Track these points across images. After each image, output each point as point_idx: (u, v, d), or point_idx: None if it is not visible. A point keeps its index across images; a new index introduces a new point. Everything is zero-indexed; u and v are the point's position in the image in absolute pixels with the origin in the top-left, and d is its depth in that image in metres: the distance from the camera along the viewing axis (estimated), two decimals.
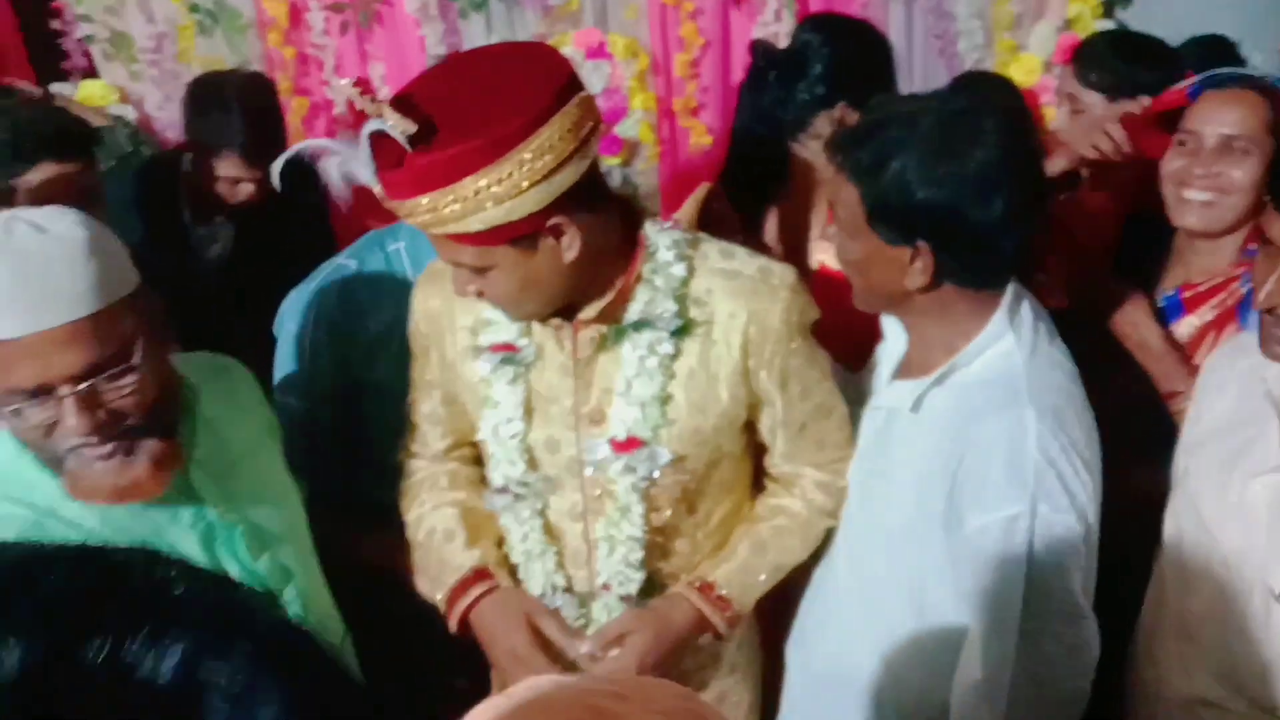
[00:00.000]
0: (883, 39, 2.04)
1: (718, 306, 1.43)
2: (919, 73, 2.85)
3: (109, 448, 1.21)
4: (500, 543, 1.60)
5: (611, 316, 1.42)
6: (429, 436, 1.64)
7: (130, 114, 2.88)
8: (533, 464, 1.53)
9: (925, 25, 2.82)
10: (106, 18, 2.87)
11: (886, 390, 1.55)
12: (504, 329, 1.47)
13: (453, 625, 1.56)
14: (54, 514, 1.25)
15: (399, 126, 1.18)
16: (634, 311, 1.41)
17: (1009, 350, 1.41)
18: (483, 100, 1.24)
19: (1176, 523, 1.50)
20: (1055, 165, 2.20)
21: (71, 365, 1.16)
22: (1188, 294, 1.82)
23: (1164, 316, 1.82)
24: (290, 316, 1.82)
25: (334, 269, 1.82)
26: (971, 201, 1.32)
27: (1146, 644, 1.54)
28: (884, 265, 1.39)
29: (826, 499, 1.59)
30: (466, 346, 1.52)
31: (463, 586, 1.55)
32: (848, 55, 1.97)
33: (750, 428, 1.55)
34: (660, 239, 1.42)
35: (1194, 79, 1.84)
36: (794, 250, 2.01)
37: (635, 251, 1.41)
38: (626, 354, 1.43)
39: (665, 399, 1.44)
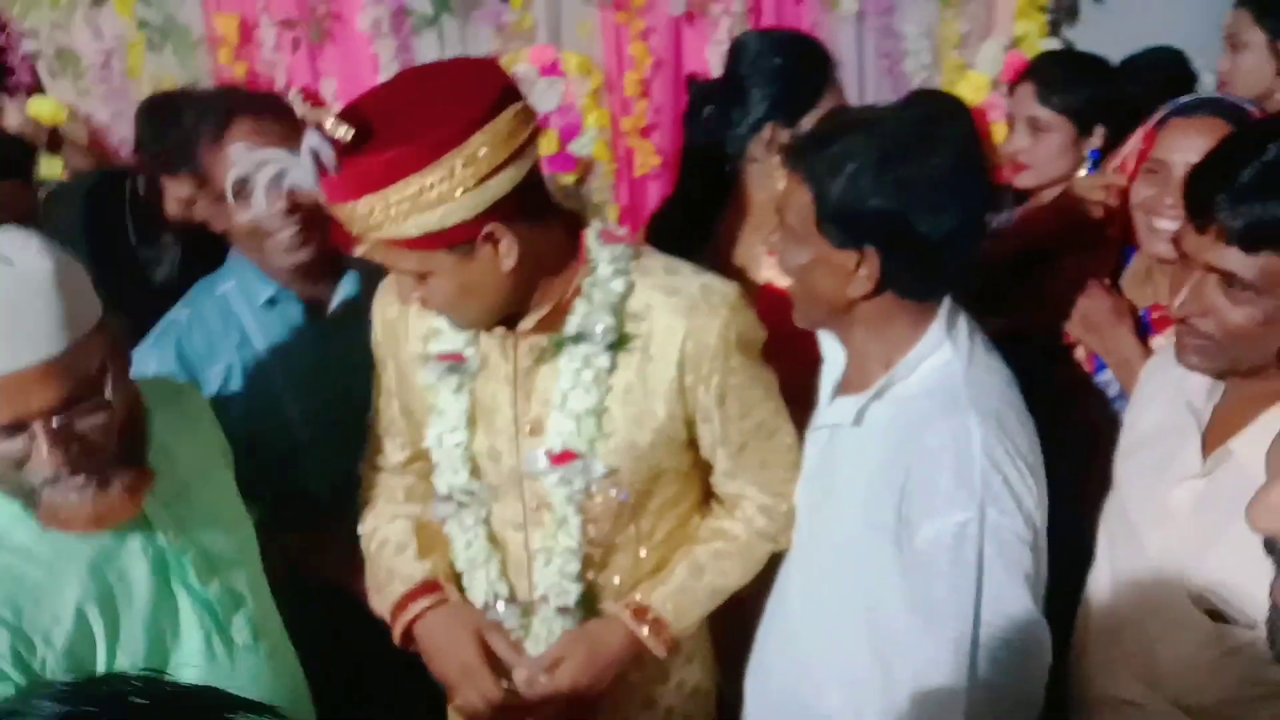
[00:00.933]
0: (815, 47, 2.03)
1: (656, 322, 1.44)
2: (870, 91, 2.88)
3: (82, 478, 1.20)
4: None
5: (551, 328, 1.44)
6: (387, 447, 1.65)
7: (80, 130, 2.85)
8: (476, 472, 1.54)
9: (874, 44, 2.85)
10: (53, 33, 2.84)
11: (827, 409, 1.55)
12: (451, 338, 1.49)
13: (396, 636, 1.57)
14: (1, 543, 1.24)
15: (336, 130, 1.21)
16: (572, 324, 1.43)
17: (948, 360, 1.43)
18: (419, 109, 1.27)
19: (1108, 528, 1.53)
20: (1024, 181, 2.26)
21: (45, 400, 1.15)
22: (1156, 315, 1.85)
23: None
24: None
25: (167, 324, 1.79)
26: (922, 211, 1.33)
27: (1079, 648, 1.57)
28: (829, 272, 1.39)
29: (768, 523, 1.59)
30: (417, 354, 1.53)
31: (410, 597, 1.56)
32: (777, 74, 1.98)
33: (694, 446, 1.55)
34: (602, 253, 1.44)
35: (1162, 111, 1.87)
36: (741, 269, 2.03)
37: (576, 263, 1.43)
38: (564, 366, 1.45)
39: (601, 412, 1.45)
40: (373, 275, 1.77)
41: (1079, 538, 1.70)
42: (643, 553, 1.58)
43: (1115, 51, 2.71)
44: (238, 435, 1.61)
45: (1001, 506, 1.36)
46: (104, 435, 1.22)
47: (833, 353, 1.56)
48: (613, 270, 1.43)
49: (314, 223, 1.73)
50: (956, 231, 1.35)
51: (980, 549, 1.37)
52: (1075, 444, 1.88)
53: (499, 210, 1.28)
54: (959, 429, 1.37)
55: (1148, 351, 1.82)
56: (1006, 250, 2.32)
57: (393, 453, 1.66)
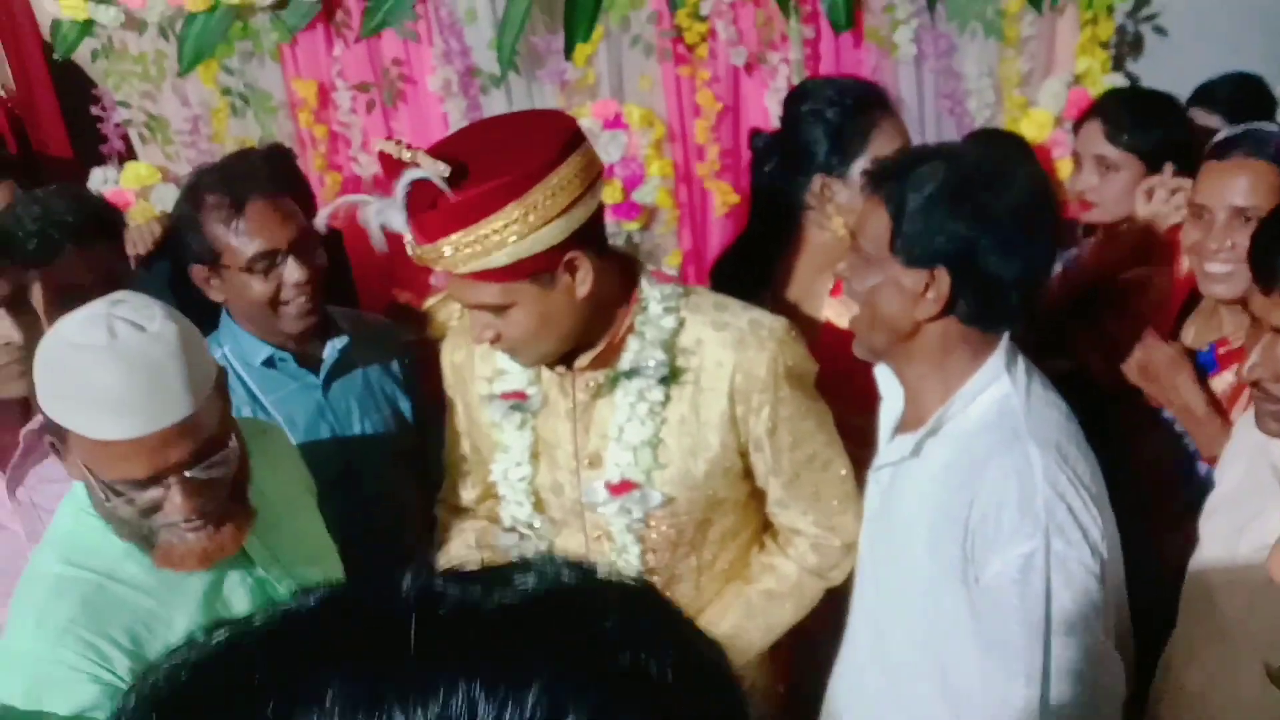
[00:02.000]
0: (859, 93, 2.05)
1: (707, 356, 1.50)
2: (932, 133, 2.89)
3: (200, 521, 1.31)
4: None
5: (606, 364, 1.51)
6: (459, 485, 1.76)
7: (172, 191, 2.98)
8: (539, 506, 1.62)
9: (935, 87, 2.86)
10: (143, 102, 2.99)
11: (887, 447, 1.56)
12: (515, 378, 1.57)
13: None
14: (113, 576, 1.34)
15: (434, 169, 1.30)
16: (625, 360, 1.50)
17: (1006, 393, 1.44)
18: (504, 148, 1.37)
19: (1189, 589, 1.50)
20: (1092, 218, 2.27)
21: (182, 456, 1.26)
22: (1222, 350, 1.83)
23: (1199, 372, 1.84)
24: None
25: None
26: (995, 240, 1.36)
27: (1154, 709, 1.53)
28: (898, 293, 1.42)
29: (820, 560, 1.63)
30: (483, 395, 1.62)
31: None
32: (823, 123, 2.01)
33: (750, 476, 1.60)
34: (653, 292, 1.51)
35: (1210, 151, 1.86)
36: (800, 308, 2.06)
37: (629, 303, 1.50)
38: (620, 400, 1.51)
39: (656, 444, 1.52)
40: (360, 333, 2.00)
41: (1151, 581, 1.68)
42: (703, 581, 1.62)
43: (1180, 83, 2.70)
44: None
45: (1067, 537, 1.36)
46: (226, 483, 1.34)
47: (891, 392, 1.57)
48: (663, 308, 1.50)
49: (319, 290, 1.89)
50: (1025, 266, 1.38)
51: (1047, 580, 1.36)
52: (1144, 481, 1.86)
53: (577, 239, 1.38)
54: (1020, 460, 1.38)
55: (1209, 394, 1.79)
56: (1073, 286, 2.31)
57: (465, 491, 1.75)
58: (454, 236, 1.32)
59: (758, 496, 1.64)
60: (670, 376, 1.50)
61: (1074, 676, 1.39)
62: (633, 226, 2.96)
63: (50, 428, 1.30)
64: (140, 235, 2.59)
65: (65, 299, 1.57)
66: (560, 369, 1.54)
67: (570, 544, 1.62)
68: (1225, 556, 1.43)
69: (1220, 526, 1.48)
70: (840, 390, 1.84)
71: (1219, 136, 1.87)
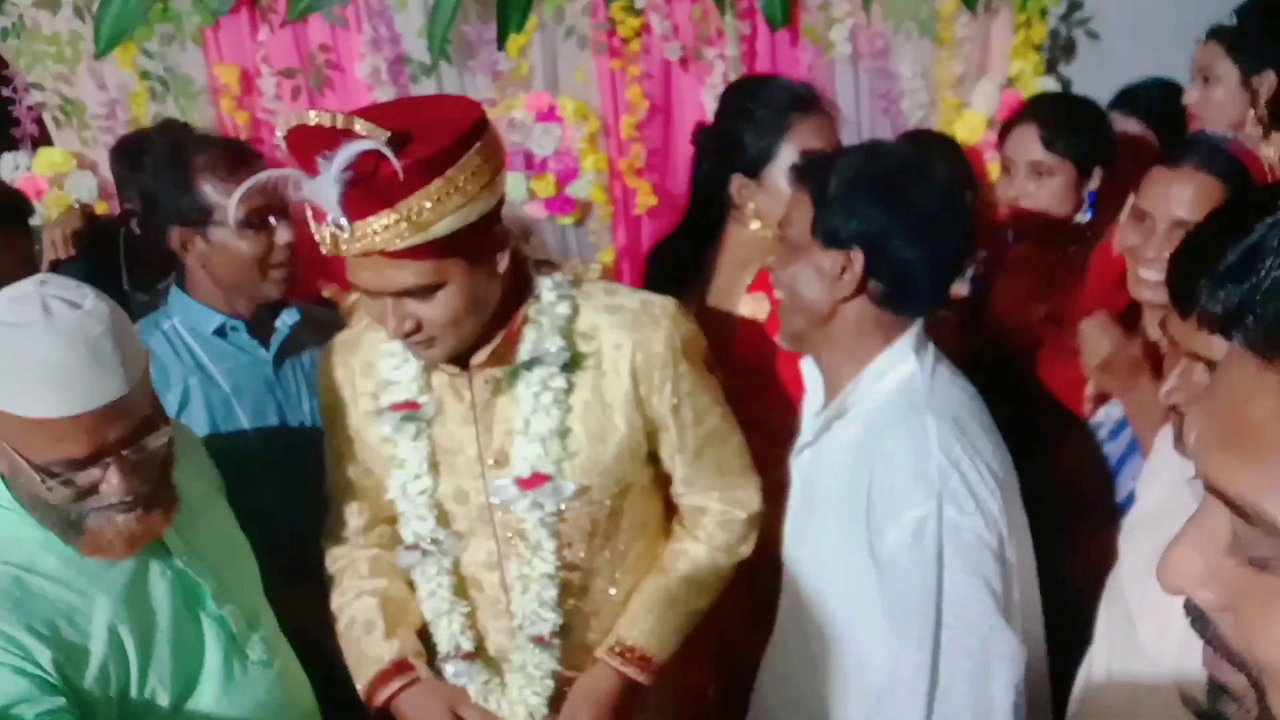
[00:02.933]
0: (778, 93, 2.05)
1: (604, 339, 1.50)
2: (867, 132, 2.89)
3: (131, 502, 1.30)
4: (423, 629, 1.62)
5: (504, 359, 1.48)
6: (346, 514, 1.67)
7: (89, 179, 2.88)
8: (443, 518, 1.57)
9: (870, 86, 2.86)
10: (58, 85, 2.87)
11: (805, 430, 1.60)
12: (404, 388, 1.53)
13: (374, 713, 1.60)
14: (30, 569, 1.31)
15: (379, 136, 1.22)
16: (524, 351, 1.48)
17: (911, 373, 1.50)
18: (430, 118, 1.31)
19: (1107, 605, 1.49)
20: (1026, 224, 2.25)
21: (120, 434, 1.26)
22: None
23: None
24: None
25: None
26: (906, 226, 1.43)
27: None
28: (816, 275, 1.48)
29: (729, 536, 1.64)
30: (369, 411, 1.56)
31: (382, 679, 1.59)
32: (745, 122, 2.02)
33: (655, 459, 1.60)
34: (544, 281, 1.50)
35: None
36: (722, 303, 2.08)
37: (523, 293, 1.48)
38: (522, 393, 1.49)
39: (564, 432, 1.50)
40: (308, 315, 2.00)
41: (1072, 596, 1.68)
42: (618, 574, 1.62)
43: (1111, 87, 2.73)
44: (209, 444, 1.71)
45: (960, 505, 1.39)
46: (160, 463, 1.34)
47: (814, 383, 1.60)
48: (556, 295, 1.49)
49: (296, 257, 1.88)
50: (935, 254, 1.45)
51: (939, 545, 1.39)
52: (1064, 490, 1.87)
53: (496, 214, 1.36)
54: (916, 428, 1.44)
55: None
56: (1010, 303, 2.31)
57: (351, 518, 1.67)
58: (399, 206, 1.24)
59: (662, 482, 1.65)
60: (571, 363, 1.49)
61: (963, 650, 1.40)
62: (567, 221, 2.92)
63: None
64: (61, 239, 2.50)
65: None
66: (453, 369, 1.50)
67: (480, 552, 1.58)
68: (1143, 575, 1.43)
69: (1139, 544, 1.48)
70: (754, 384, 1.85)
71: (1182, 140, 1.89)
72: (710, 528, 1.64)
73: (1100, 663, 1.49)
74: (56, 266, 2.41)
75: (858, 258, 1.45)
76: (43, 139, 2.96)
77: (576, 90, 2.82)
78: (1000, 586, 1.41)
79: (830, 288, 1.48)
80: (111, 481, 1.27)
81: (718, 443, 1.61)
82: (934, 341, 1.57)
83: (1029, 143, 2.26)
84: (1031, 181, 2.26)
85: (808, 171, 1.53)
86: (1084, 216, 2.28)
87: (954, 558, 1.39)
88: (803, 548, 1.61)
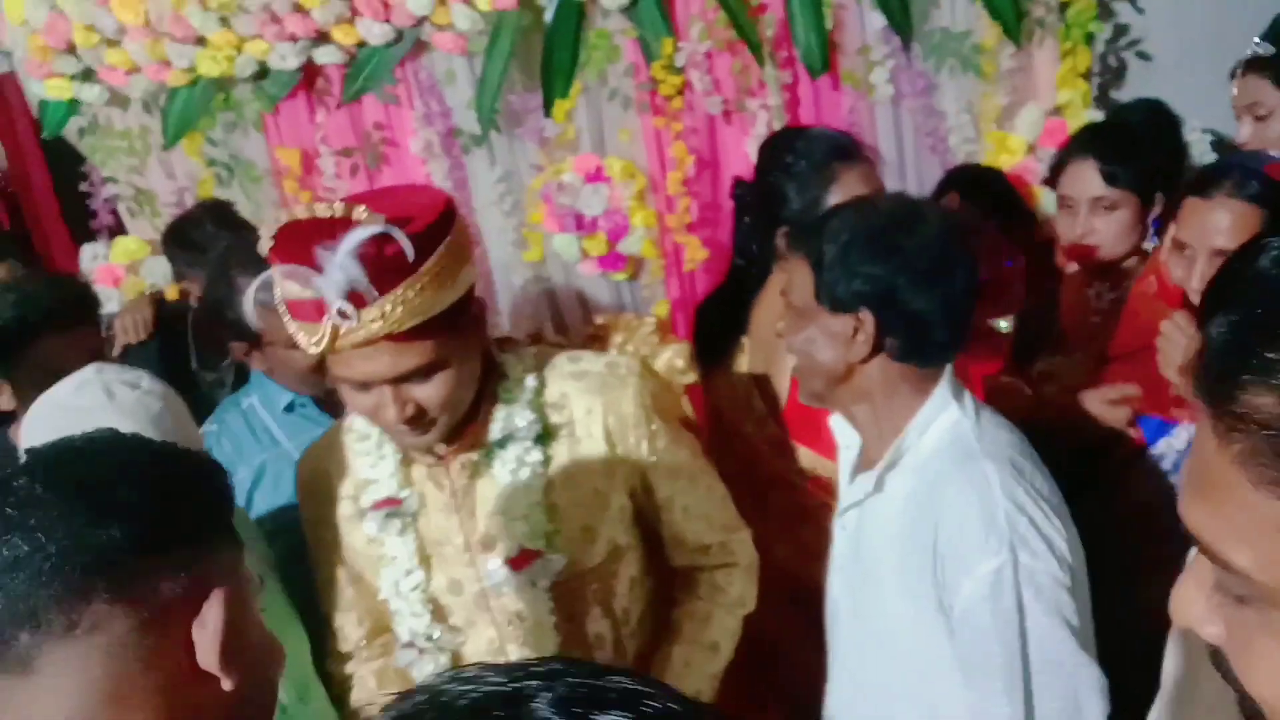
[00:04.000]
0: (819, 143, 2.07)
1: (574, 406, 1.50)
2: (911, 172, 2.88)
3: None
4: None
5: (477, 441, 1.48)
6: (345, 629, 1.64)
7: (163, 264, 3.01)
8: (439, 613, 1.54)
9: (914, 125, 2.85)
10: (130, 177, 3.02)
11: (849, 490, 1.56)
12: (384, 485, 1.51)
13: None
14: None
15: (374, 219, 1.24)
16: (496, 430, 1.47)
17: (956, 419, 1.47)
18: (406, 202, 1.34)
19: (1174, 646, 1.45)
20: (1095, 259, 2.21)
21: None
22: None
23: None
24: None
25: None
26: (909, 277, 1.42)
27: None
28: (829, 340, 1.47)
29: (730, 589, 1.63)
30: (350, 514, 1.55)
31: None
32: (789, 175, 2.04)
33: (642, 519, 1.59)
34: (507, 358, 1.50)
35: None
36: (771, 356, 2.07)
37: (489, 373, 1.48)
38: (499, 472, 1.47)
39: (548, 506, 1.48)
40: None
41: (1144, 628, 1.63)
42: (624, 639, 1.60)
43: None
44: (274, 523, 1.81)
45: (1032, 549, 1.37)
46: None
47: (845, 437, 1.59)
48: (522, 369, 1.50)
49: None
50: (944, 300, 1.43)
51: (1018, 594, 1.36)
52: (1134, 525, 1.82)
53: (473, 291, 1.40)
54: (977, 477, 1.40)
55: None
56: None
57: (351, 631, 1.63)
58: (408, 283, 1.26)
59: (654, 540, 1.64)
60: (545, 435, 1.48)
61: (1053, 693, 1.38)
62: (620, 277, 2.96)
63: None
64: (132, 325, 2.61)
65: (46, 384, 1.59)
66: (430, 459, 1.49)
67: (481, 641, 1.55)
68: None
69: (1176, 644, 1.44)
70: (808, 434, 1.84)
71: (1210, 165, 1.85)
72: (709, 585, 1.62)
73: (1165, 706, 1.45)
74: (128, 351, 2.52)
75: (868, 318, 1.44)
76: (118, 229, 3.11)
77: (622, 150, 2.86)
78: (1078, 622, 1.40)
79: (845, 350, 1.46)
80: None
81: (701, 496, 1.60)
82: (1007, 408, 1.55)
83: (1089, 178, 2.20)
84: (1096, 218, 2.19)
85: (802, 237, 1.52)
86: (1150, 244, 2.23)
87: (1033, 603, 1.37)
88: (860, 609, 1.57)
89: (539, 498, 1.48)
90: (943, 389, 1.49)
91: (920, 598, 1.44)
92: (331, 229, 1.23)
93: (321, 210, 1.25)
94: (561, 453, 1.50)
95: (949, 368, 1.50)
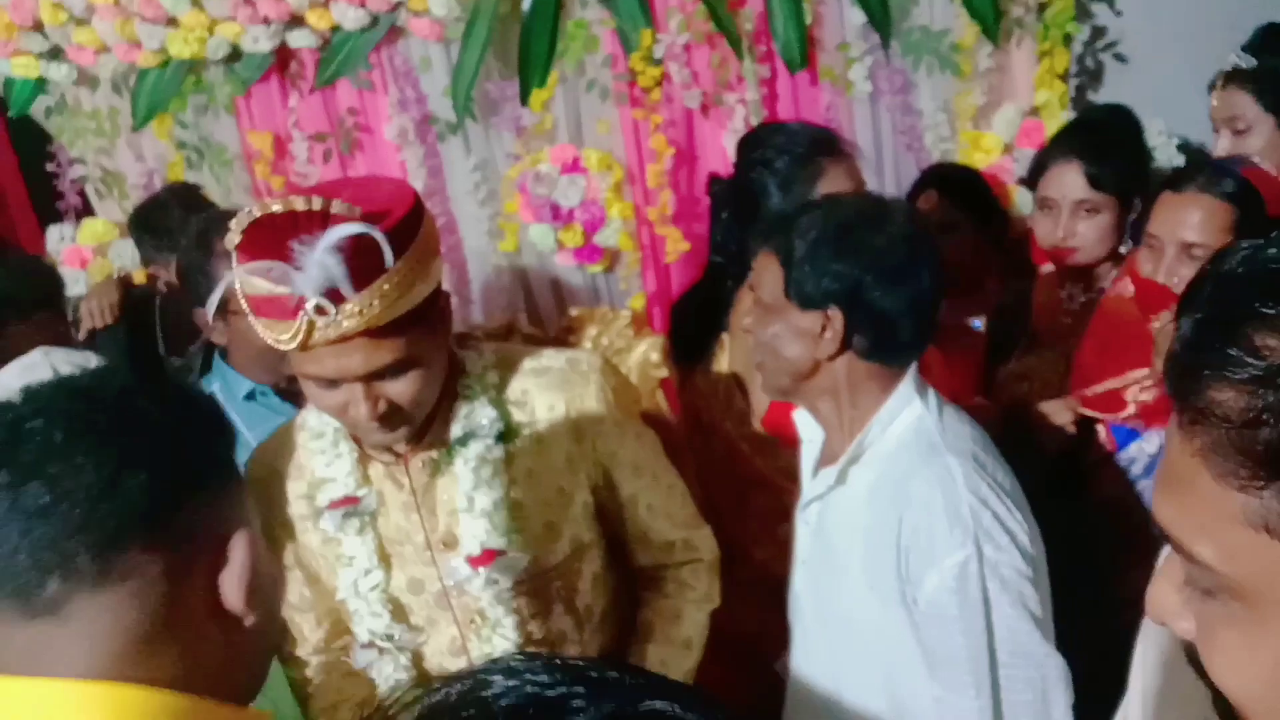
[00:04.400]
0: (818, 138, 2.07)
1: (537, 403, 1.49)
2: (888, 169, 2.88)
3: None
4: None
5: (438, 438, 1.45)
6: (303, 629, 1.60)
7: (130, 248, 2.96)
8: (399, 612, 1.52)
9: (891, 122, 2.85)
10: (99, 158, 2.97)
11: (811, 484, 1.58)
12: (341, 484, 1.47)
13: None
14: None
15: (352, 212, 1.22)
16: (457, 428, 1.45)
17: (919, 414, 1.49)
18: (375, 195, 1.31)
19: (1143, 645, 1.45)
20: (1074, 262, 2.21)
21: None
22: None
23: None
24: None
25: None
26: (877, 275, 1.44)
27: None
28: (797, 336, 1.48)
29: (696, 586, 1.62)
30: (304, 514, 1.51)
31: None
32: (773, 170, 2.02)
33: (603, 516, 1.58)
34: (468, 354, 1.48)
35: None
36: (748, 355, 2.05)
37: (450, 370, 1.45)
38: (460, 470, 1.45)
39: (510, 504, 1.47)
40: None
41: (1112, 625, 1.64)
42: (586, 637, 1.58)
43: (1142, 110, 2.69)
44: None
45: (997, 542, 1.39)
46: None
47: (809, 432, 1.61)
48: (482, 366, 1.47)
49: None
50: (911, 298, 1.45)
51: (984, 587, 1.39)
52: (1105, 522, 1.83)
53: (440, 285, 1.37)
54: (941, 471, 1.43)
55: None
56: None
57: (309, 632, 1.60)
58: (385, 276, 1.23)
59: (613, 538, 1.63)
60: (508, 432, 1.47)
61: (1022, 683, 1.41)
62: (596, 269, 2.94)
63: None
64: (99, 308, 2.57)
65: None
66: (389, 458, 1.47)
67: (443, 640, 1.53)
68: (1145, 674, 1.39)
69: (1150, 646, 1.44)
70: (788, 436, 1.83)
71: (1188, 165, 1.87)
72: (674, 582, 1.62)
73: (1134, 704, 1.46)
74: (94, 335, 2.48)
75: (836, 316, 1.45)
76: (86, 211, 3.06)
77: (600, 141, 2.85)
78: (1042, 613, 1.43)
79: (812, 347, 1.48)
80: None
81: (663, 493, 1.59)
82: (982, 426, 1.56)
83: (1072, 181, 2.17)
84: (1078, 221, 2.17)
85: (771, 232, 1.54)
86: (1126, 248, 2.23)
87: (999, 595, 1.39)
88: (823, 602, 1.59)
89: (499, 496, 1.46)
90: (906, 384, 1.50)
91: (884, 590, 1.46)
92: (308, 223, 1.20)
93: (298, 204, 1.21)
94: (524, 450, 1.48)
95: (914, 368, 1.51)
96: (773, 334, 1.51)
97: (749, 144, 2.16)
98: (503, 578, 1.46)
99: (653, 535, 1.60)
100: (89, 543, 0.79)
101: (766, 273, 1.52)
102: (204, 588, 0.85)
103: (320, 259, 1.19)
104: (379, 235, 1.21)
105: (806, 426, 1.62)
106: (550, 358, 1.54)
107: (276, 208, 1.22)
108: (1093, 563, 1.71)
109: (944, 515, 1.40)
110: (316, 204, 1.21)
